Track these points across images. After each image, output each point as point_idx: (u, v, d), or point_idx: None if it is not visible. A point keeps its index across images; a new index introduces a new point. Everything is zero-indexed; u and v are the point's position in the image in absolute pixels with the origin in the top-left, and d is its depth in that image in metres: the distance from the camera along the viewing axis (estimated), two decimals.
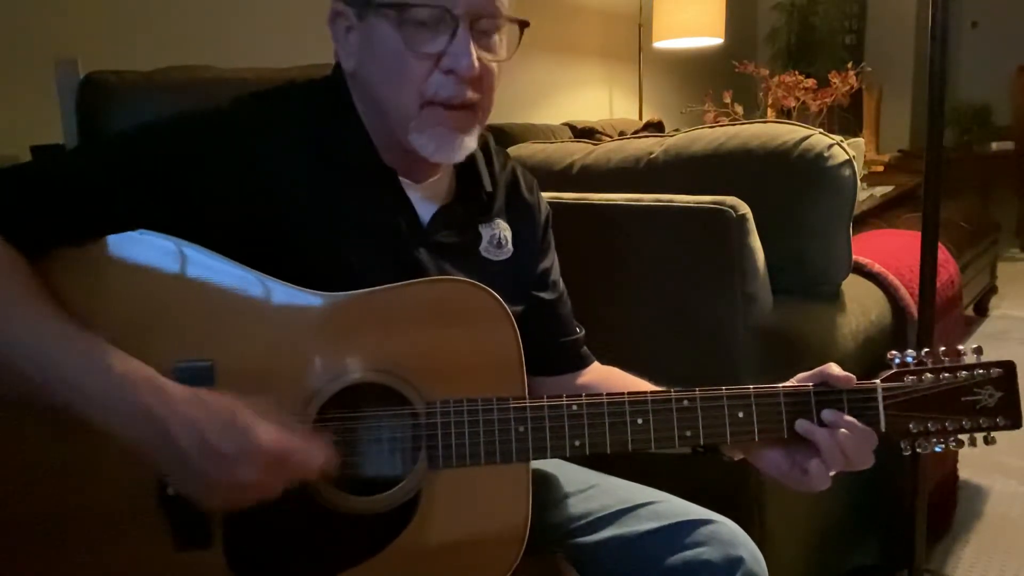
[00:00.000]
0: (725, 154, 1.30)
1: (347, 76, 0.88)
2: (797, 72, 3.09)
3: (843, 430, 0.82)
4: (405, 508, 0.80)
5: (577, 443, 0.82)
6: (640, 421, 0.83)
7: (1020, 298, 4.07)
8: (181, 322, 0.78)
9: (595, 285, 1.25)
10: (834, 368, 0.86)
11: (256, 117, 0.86)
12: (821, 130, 1.29)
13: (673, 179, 1.31)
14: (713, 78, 3.51)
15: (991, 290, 3.84)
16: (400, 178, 0.89)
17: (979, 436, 0.86)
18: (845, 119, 3.74)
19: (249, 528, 0.77)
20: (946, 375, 0.85)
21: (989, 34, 5.75)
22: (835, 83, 2.96)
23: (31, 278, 0.73)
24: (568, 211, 1.25)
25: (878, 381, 0.85)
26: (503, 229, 0.96)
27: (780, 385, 0.86)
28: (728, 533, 0.91)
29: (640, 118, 4.05)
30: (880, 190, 3.39)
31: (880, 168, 4.07)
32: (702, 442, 0.84)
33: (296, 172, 0.85)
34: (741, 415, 0.84)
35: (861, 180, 1.87)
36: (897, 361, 0.86)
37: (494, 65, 0.85)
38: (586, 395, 0.83)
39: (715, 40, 3.84)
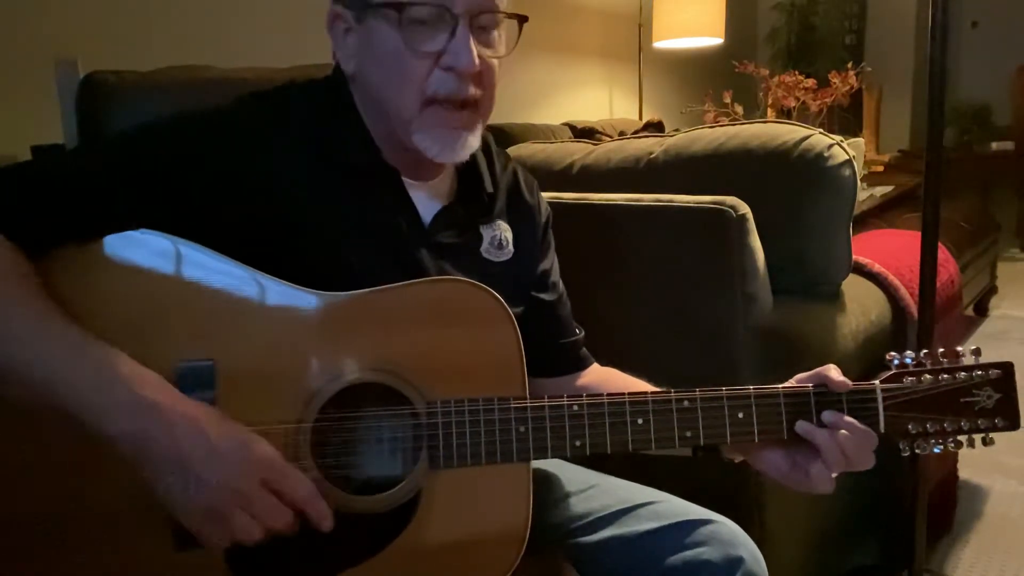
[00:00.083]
0: (725, 154, 1.30)
1: (347, 79, 0.88)
2: (797, 72, 3.09)
3: (843, 431, 0.83)
4: (405, 508, 0.80)
5: (578, 443, 0.82)
6: (641, 421, 0.83)
7: (1020, 298, 4.07)
8: (182, 322, 0.78)
9: (595, 285, 1.25)
10: (832, 371, 0.86)
11: (257, 117, 0.86)
12: (821, 130, 1.29)
13: (673, 179, 1.31)
14: (713, 78, 3.51)
15: (991, 290, 3.84)
16: (402, 178, 0.89)
17: (977, 437, 0.86)
18: (845, 119, 3.74)
19: None
20: (945, 376, 0.85)
21: (989, 34, 5.75)
22: (835, 83, 2.96)
23: (32, 277, 0.73)
24: (568, 211, 1.25)
25: (877, 382, 0.85)
26: (504, 230, 0.97)
27: (780, 386, 0.86)
28: (728, 533, 0.91)
29: (640, 118, 4.05)
30: (880, 190, 3.39)
31: (880, 168, 4.07)
32: (702, 442, 0.84)
33: (297, 172, 0.85)
34: (741, 416, 0.84)
35: (861, 180, 1.87)
36: (896, 362, 0.86)
37: (494, 61, 0.85)
38: (587, 395, 0.83)
39: (715, 40, 3.84)
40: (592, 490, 1.00)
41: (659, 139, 1.42)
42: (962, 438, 0.86)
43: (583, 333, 1.07)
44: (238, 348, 0.78)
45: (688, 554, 0.89)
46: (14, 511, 0.75)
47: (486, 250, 0.94)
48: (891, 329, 1.48)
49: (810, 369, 0.87)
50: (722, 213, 1.18)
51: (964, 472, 2.04)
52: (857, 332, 1.35)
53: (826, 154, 1.24)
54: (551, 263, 1.04)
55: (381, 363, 0.80)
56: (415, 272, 0.85)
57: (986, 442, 0.86)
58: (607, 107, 4.41)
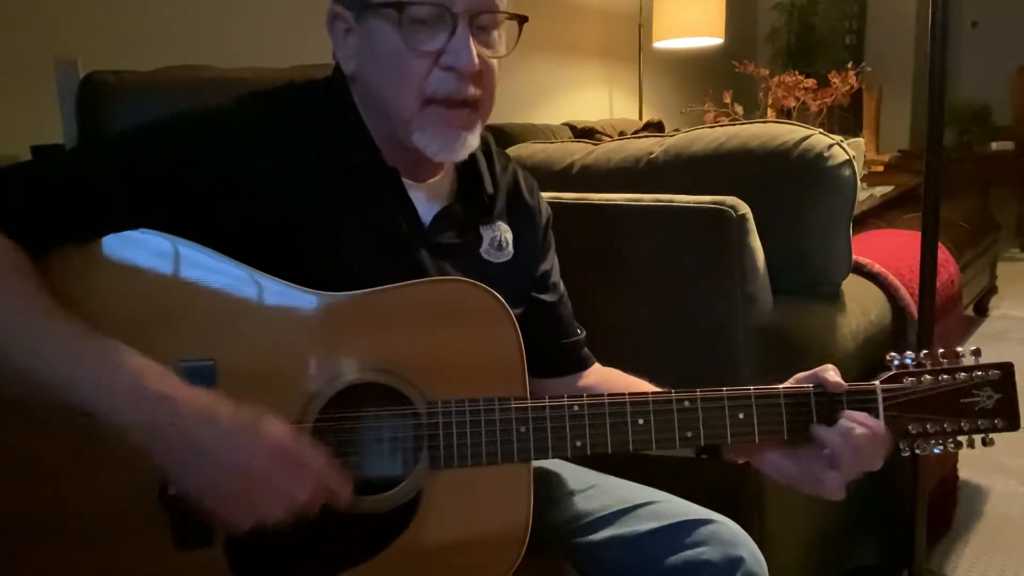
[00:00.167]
0: (725, 154, 1.30)
1: (347, 79, 0.88)
2: (797, 72, 3.09)
3: (860, 431, 0.82)
4: (406, 508, 0.80)
5: (579, 443, 0.82)
6: (641, 422, 0.83)
7: (1020, 298, 4.07)
8: (182, 322, 0.78)
9: (595, 285, 1.25)
10: (830, 371, 0.86)
11: (257, 117, 0.86)
12: (821, 130, 1.29)
13: (673, 179, 1.31)
14: (713, 78, 3.51)
15: (991, 290, 3.84)
16: (402, 179, 0.89)
17: (977, 438, 0.86)
18: (845, 119, 3.74)
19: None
20: (945, 377, 0.85)
21: (989, 34, 5.75)
22: (835, 83, 2.96)
23: (34, 275, 0.73)
24: (568, 211, 1.25)
25: (878, 383, 0.86)
26: (504, 231, 0.96)
27: (780, 386, 0.86)
28: (728, 533, 0.91)
29: (640, 118, 4.06)
30: (880, 190, 3.39)
31: (880, 168, 4.07)
32: (703, 442, 0.84)
33: (296, 172, 0.85)
34: (742, 416, 0.84)
35: (861, 180, 1.87)
36: (896, 363, 0.86)
37: (494, 61, 0.85)
38: (587, 395, 0.83)
39: (715, 40, 3.84)
40: (592, 490, 1.00)
41: (659, 139, 1.42)
42: (962, 438, 0.86)
43: (584, 333, 1.07)
44: (238, 348, 0.78)
45: (688, 554, 0.89)
46: (14, 511, 0.75)
47: (486, 251, 0.94)
48: (891, 329, 1.48)
49: (810, 369, 0.87)
50: (722, 213, 1.18)
51: (964, 472, 2.04)
52: (857, 332, 1.35)
53: (826, 154, 1.24)
54: (551, 264, 1.04)
55: (381, 363, 0.80)
56: (415, 273, 0.85)
57: (986, 442, 0.86)
58: (607, 107, 4.41)
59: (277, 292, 0.79)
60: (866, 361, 1.30)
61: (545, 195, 1.06)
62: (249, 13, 2.43)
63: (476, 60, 0.81)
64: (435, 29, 0.81)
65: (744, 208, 1.19)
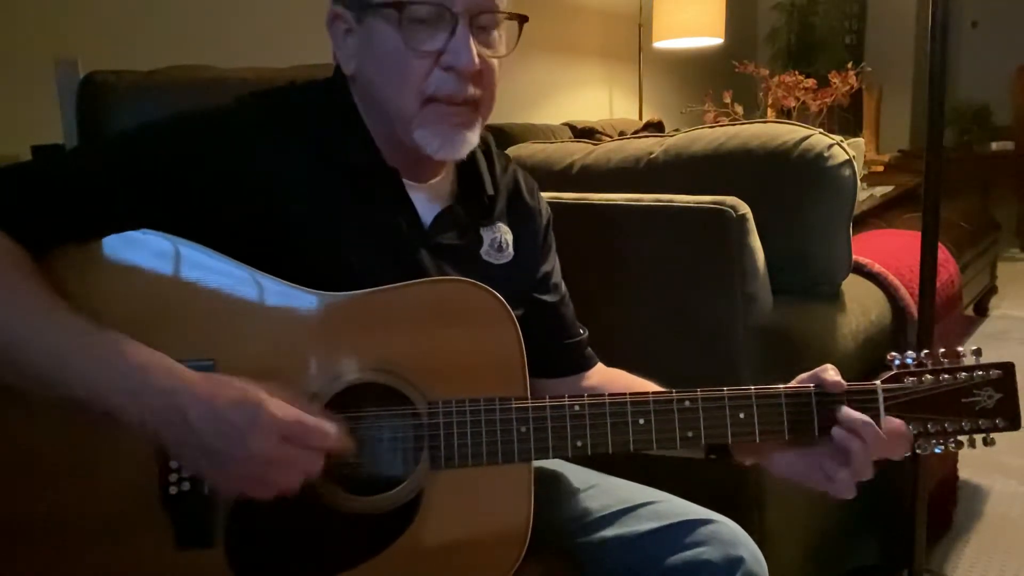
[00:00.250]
0: (725, 154, 1.30)
1: (348, 79, 0.88)
2: (797, 72, 3.09)
3: (874, 429, 0.82)
4: (407, 508, 0.80)
5: (579, 443, 0.82)
6: (642, 422, 0.83)
7: (1020, 298, 4.07)
8: (183, 322, 0.78)
9: (595, 285, 1.25)
10: (829, 371, 0.86)
11: (257, 117, 0.86)
12: (821, 130, 1.29)
13: (673, 179, 1.31)
14: (713, 78, 3.51)
15: (991, 290, 3.84)
16: (402, 179, 0.89)
17: (978, 437, 0.86)
18: (845, 119, 3.75)
19: (251, 527, 0.77)
20: (945, 376, 0.85)
21: (989, 34, 5.75)
22: (835, 83, 2.96)
23: (36, 274, 0.74)
24: (568, 211, 1.25)
25: (878, 383, 0.85)
26: (504, 233, 0.96)
27: (781, 386, 0.86)
28: (728, 533, 0.91)
29: (640, 118, 4.06)
30: (880, 190, 3.39)
31: (880, 168, 4.07)
32: (703, 442, 0.84)
33: (297, 172, 0.85)
34: (742, 416, 0.84)
35: (861, 180, 1.87)
36: (897, 363, 0.86)
37: (494, 61, 0.85)
38: (588, 395, 0.83)
39: (715, 40, 3.84)
40: (592, 490, 1.00)
41: (659, 139, 1.42)
42: (963, 438, 0.86)
43: (587, 333, 1.06)
44: (238, 348, 0.78)
45: (688, 554, 0.89)
46: (14, 511, 0.75)
47: (486, 252, 0.94)
48: (891, 329, 1.48)
49: (810, 369, 0.87)
50: (722, 213, 1.18)
51: (964, 472, 2.04)
52: (857, 332, 1.35)
53: (826, 154, 1.24)
54: (552, 265, 1.04)
55: (382, 363, 0.80)
56: (415, 273, 0.85)
57: (987, 442, 0.86)
58: (607, 107, 4.41)
59: (277, 292, 0.79)
60: (866, 361, 1.30)
61: (545, 195, 1.06)
62: (249, 13, 2.43)
63: (476, 60, 0.81)
64: (435, 29, 0.81)
65: (744, 208, 1.19)
